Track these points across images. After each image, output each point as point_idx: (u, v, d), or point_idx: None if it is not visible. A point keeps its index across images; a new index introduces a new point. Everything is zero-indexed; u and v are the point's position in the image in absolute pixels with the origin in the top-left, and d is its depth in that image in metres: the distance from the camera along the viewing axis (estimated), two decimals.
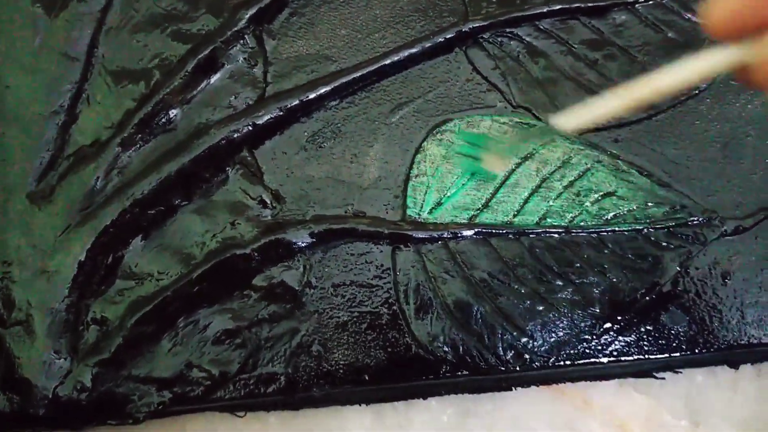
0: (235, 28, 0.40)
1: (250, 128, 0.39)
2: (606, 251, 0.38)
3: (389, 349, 0.37)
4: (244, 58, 0.40)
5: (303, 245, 0.38)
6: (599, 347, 0.38)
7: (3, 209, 0.37)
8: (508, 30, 0.41)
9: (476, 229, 0.38)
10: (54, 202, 0.37)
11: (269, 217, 0.39)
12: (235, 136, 0.38)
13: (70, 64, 0.39)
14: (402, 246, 0.38)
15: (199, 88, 0.39)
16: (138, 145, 0.38)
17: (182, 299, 0.37)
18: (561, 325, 0.37)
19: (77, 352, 0.36)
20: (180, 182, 0.38)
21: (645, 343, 0.38)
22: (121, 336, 0.36)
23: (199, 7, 0.40)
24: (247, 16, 0.40)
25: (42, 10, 0.40)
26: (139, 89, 0.39)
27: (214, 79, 0.39)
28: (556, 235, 0.39)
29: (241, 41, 0.40)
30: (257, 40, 0.40)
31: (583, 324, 0.38)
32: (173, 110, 0.39)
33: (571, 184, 0.39)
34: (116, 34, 0.40)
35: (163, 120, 0.39)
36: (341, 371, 0.37)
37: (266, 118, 0.39)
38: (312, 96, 0.39)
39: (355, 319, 0.38)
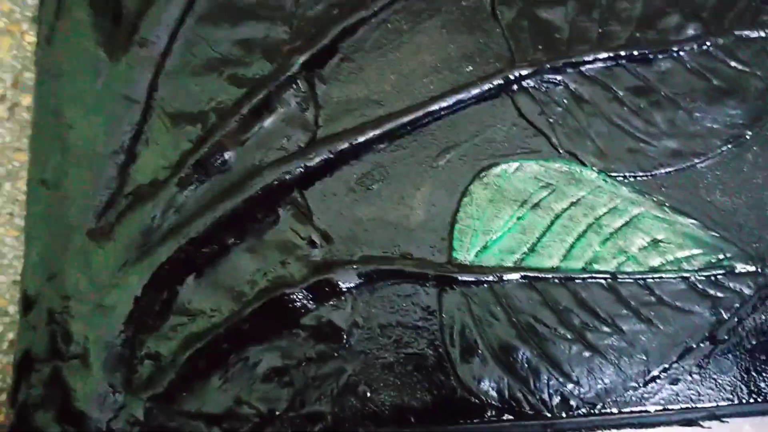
0: (288, 73, 0.41)
1: (302, 170, 0.40)
2: (652, 298, 0.38)
3: (434, 392, 0.38)
4: (297, 102, 0.41)
5: (351, 285, 0.39)
6: (646, 395, 0.37)
7: (63, 245, 0.38)
8: (553, 76, 0.42)
9: (522, 273, 0.39)
10: (113, 239, 0.38)
11: (318, 257, 0.39)
12: (287, 177, 0.40)
13: (131, 106, 0.41)
14: (448, 288, 0.39)
15: (253, 131, 0.41)
16: (194, 185, 0.40)
17: (233, 336, 0.38)
18: (607, 371, 0.37)
19: (131, 386, 0.37)
20: (233, 222, 0.39)
21: (692, 391, 0.38)
22: (174, 371, 0.37)
23: (254, 52, 0.42)
24: (300, 62, 0.41)
25: (105, 53, 0.41)
26: (196, 131, 0.40)
27: (267, 122, 0.41)
28: (602, 281, 0.39)
29: (294, 86, 0.41)
30: (309, 85, 0.42)
31: (629, 371, 0.37)
32: (228, 152, 0.40)
33: (617, 230, 0.40)
34: (175, 77, 0.41)
35: (219, 161, 0.40)
36: (387, 412, 0.37)
37: (317, 160, 0.40)
38: (361, 139, 0.41)
39: (401, 360, 0.38)
